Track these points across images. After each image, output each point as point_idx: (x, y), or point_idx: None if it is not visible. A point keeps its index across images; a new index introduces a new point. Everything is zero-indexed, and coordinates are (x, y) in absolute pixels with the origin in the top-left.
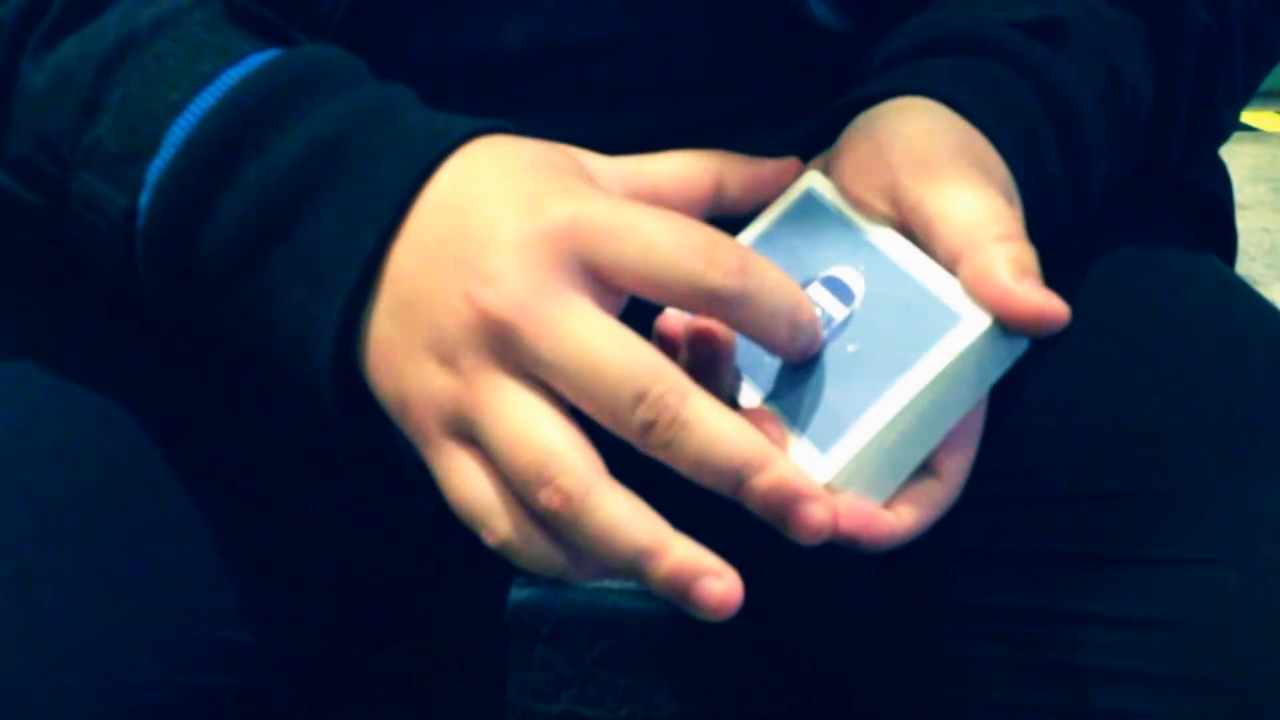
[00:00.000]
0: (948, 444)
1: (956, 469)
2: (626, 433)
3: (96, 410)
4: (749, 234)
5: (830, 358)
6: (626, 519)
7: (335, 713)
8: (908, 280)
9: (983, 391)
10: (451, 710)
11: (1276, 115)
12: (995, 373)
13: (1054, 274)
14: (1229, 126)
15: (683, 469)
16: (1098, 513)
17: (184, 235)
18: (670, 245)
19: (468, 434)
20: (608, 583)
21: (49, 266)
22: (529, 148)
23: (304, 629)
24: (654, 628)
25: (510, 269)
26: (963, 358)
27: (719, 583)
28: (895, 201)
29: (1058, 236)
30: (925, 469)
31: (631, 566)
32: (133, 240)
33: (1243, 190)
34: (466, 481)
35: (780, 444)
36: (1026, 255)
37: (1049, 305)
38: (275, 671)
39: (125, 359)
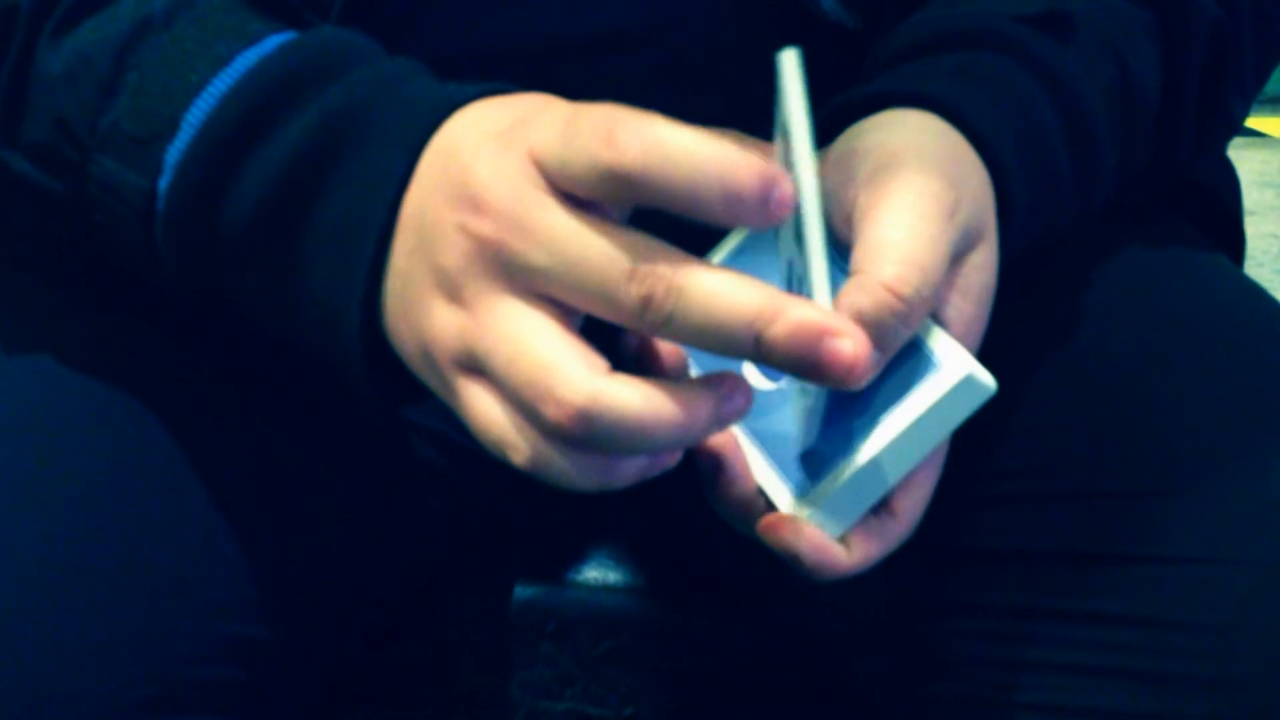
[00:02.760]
0: (905, 484)
1: (912, 508)
2: (626, 316)
3: (109, 404)
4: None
5: (805, 389)
6: (643, 409)
7: (341, 710)
8: None
9: (946, 435)
10: (456, 707)
11: None
12: (960, 418)
13: (1060, 271)
14: (1238, 120)
15: (692, 341)
16: (1100, 511)
17: (203, 217)
18: (584, 132)
19: (478, 367)
20: (611, 581)
21: (61, 256)
22: (529, 95)
23: (312, 626)
24: (658, 626)
25: (490, 186)
26: (938, 404)
27: (733, 402)
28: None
29: (1066, 232)
30: (881, 506)
31: (668, 449)
32: (152, 223)
33: (1250, 196)
34: (483, 412)
35: (750, 468)
36: (880, 299)
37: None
38: (282, 667)
39: (141, 351)
